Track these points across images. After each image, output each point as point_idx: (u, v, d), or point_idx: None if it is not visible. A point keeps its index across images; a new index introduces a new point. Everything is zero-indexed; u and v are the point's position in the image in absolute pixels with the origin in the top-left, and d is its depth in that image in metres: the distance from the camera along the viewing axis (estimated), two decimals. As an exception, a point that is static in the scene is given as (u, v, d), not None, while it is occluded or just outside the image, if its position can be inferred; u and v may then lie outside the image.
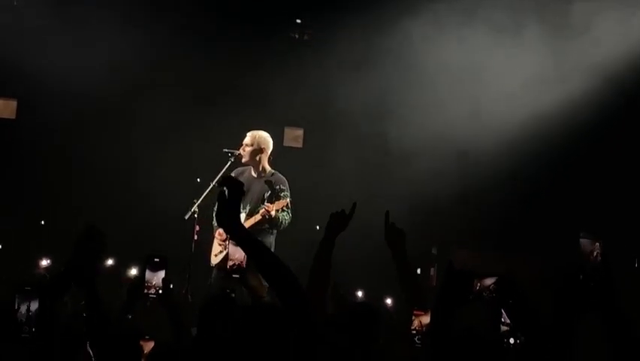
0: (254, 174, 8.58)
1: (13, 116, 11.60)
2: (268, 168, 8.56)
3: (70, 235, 10.61)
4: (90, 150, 11.21)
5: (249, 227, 8.30)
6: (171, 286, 4.24)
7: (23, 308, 3.65)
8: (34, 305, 3.66)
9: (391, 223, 4.52)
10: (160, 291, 4.16)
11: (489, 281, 3.82)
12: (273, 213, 8.07)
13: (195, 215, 8.54)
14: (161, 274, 4.18)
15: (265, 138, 8.62)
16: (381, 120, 11.07)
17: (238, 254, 4.42)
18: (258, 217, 8.21)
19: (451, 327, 3.45)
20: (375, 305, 4.56)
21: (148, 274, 4.18)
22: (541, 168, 10.70)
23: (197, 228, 8.59)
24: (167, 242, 9.99)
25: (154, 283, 4.17)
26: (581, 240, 4.12)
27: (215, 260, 8.55)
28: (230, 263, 4.41)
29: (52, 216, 10.78)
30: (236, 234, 3.36)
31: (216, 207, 3.37)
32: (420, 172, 10.76)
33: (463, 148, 10.80)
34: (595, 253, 4.18)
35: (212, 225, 8.61)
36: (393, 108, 10.93)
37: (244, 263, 4.40)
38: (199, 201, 8.54)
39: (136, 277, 4.32)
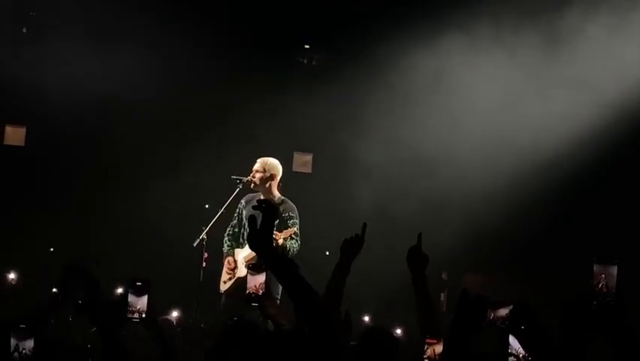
0: None
1: (22, 143, 11.63)
2: (278, 194, 8.51)
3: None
4: (98, 177, 11.22)
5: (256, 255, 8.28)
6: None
7: (19, 347, 3.61)
8: (29, 344, 3.62)
9: (419, 245, 4.37)
10: (144, 315, 4.11)
11: (503, 311, 3.77)
12: (280, 241, 8.00)
13: (204, 242, 8.50)
14: (145, 298, 4.13)
15: (275, 164, 8.57)
16: (391, 144, 11.04)
17: (254, 282, 4.37)
18: None
19: (464, 355, 3.39)
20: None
21: (131, 298, 4.11)
22: (557, 192, 10.62)
23: (206, 255, 8.55)
24: (175, 269, 10.00)
25: (138, 307, 4.11)
26: (594, 265, 4.05)
27: (224, 287, 8.51)
28: (247, 292, 4.35)
29: (61, 243, 10.75)
30: (269, 257, 3.31)
31: (248, 230, 3.33)
32: (431, 196, 10.73)
33: (476, 173, 10.73)
34: (601, 282, 4.12)
35: (221, 251, 8.58)
36: (403, 132, 10.89)
37: (260, 291, 4.34)
38: (207, 229, 8.50)
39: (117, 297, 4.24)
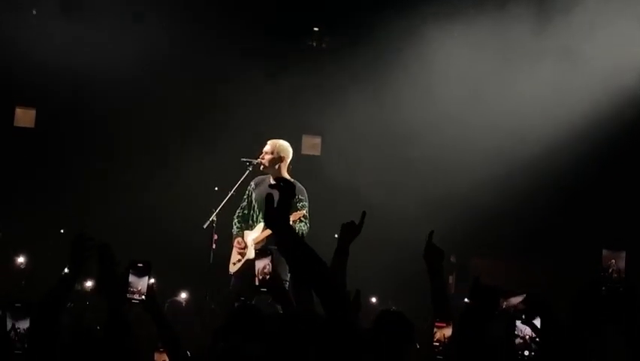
0: (273, 183, 8.53)
1: (32, 125, 11.67)
2: (287, 176, 8.54)
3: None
4: (108, 158, 11.27)
5: (265, 237, 8.32)
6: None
7: (15, 326, 3.63)
8: (25, 323, 3.63)
9: (432, 242, 4.47)
10: (144, 297, 4.15)
11: (515, 300, 3.81)
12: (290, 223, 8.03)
13: (214, 224, 8.53)
14: (145, 279, 4.17)
15: (285, 146, 8.59)
16: (401, 127, 11.05)
17: (260, 267, 4.40)
18: None
19: (476, 341, 3.43)
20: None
21: (132, 278, 4.16)
22: (566, 176, 10.62)
23: (216, 237, 8.57)
24: (185, 251, 10.05)
25: (139, 288, 4.16)
26: (604, 251, 4.07)
27: (233, 268, 8.54)
28: (255, 277, 4.38)
29: (72, 224, 10.81)
30: (285, 235, 3.34)
31: (265, 208, 3.36)
32: (439, 180, 10.75)
33: (486, 157, 10.73)
34: (611, 267, 4.14)
35: (231, 233, 8.62)
36: (413, 115, 10.89)
37: (267, 275, 4.37)
38: (217, 211, 8.53)
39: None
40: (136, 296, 4.15)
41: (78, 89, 11.00)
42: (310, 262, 3.29)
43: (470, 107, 10.70)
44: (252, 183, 8.59)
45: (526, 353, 3.68)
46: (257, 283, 4.38)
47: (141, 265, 4.16)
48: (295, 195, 8.18)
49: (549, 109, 10.33)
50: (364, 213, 4.51)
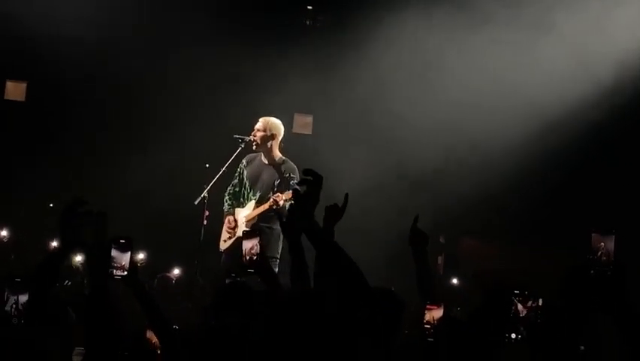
0: (264, 161, 8.58)
1: (23, 99, 11.62)
2: (279, 155, 8.56)
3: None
4: (100, 132, 11.24)
5: (257, 215, 8.35)
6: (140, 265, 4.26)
7: (12, 300, 3.57)
8: (24, 297, 3.58)
9: (416, 227, 4.54)
10: (126, 272, 4.18)
11: (531, 304, 3.83)
12: (281, 203, 8.06)
13: (205, 200, 8.54)
14: (128, 255, 4.20)
15: (277, 124, 8.61)
16: (393, 106, 11.05)
17: (248, 247, 4.41)
18: (266, 206, 8.21)
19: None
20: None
21: (115, 254, 4.18)
22: (558, 158, 10.63)
23: (207, 213, 8.59)
24: (177, 227, 10.07)
25: (122, 263, 4.19)
26: (593, 234, 4.09)
27: (223, 246, 8.58)
28: (242, 258, 4.39)
29: (62, 198, 10.79)
30: (311, 230, 3.38)
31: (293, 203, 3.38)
32: (431, 160, 10.77)
33: (475, 139, 10.76)
34: (600, 250, 4.15)
35: (222, 210, 8.64)
36: (405, 94, 10.90)
37: (255, 256, 4.38)
38: (209, 187, 8.53)
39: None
40: (119, 272, 4.19)
41: (70, 62, 10.94)
42: (331, 252, 3.36)
43: (463, 87, 10.70)
44: (244, 161, 8.62)
45: (514, 335, 3.66)
46: (244, 264, 4.38)
47: (123, 240, 4.18)
48: (281, 176, 8.28)
49: (542, 86, 10.33)
50: (347, 195, 4.55)
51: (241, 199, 8.58)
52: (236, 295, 4.42)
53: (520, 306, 3.65)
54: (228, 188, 8.63)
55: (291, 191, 8.14)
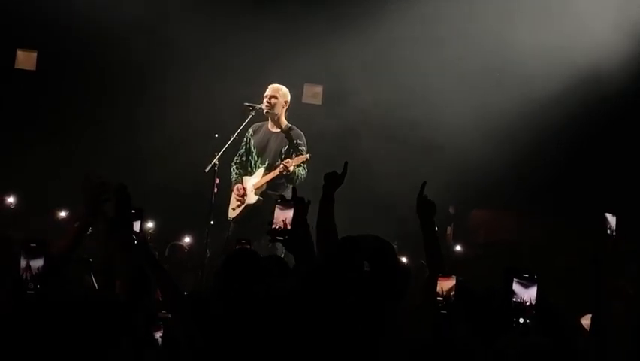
0: (272, 129, 8.60)
1: (34, 68, 11.61)
2: (285, 122, 8.60)
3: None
4: (110, 101, 11.24)
5: (266, 181, 8.38)
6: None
7: (27, 266, 3.52)
8: (39, 263, 3.53)
9: (424, 196, 4.51)
10: (136, 242, 4.20)
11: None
12: (291, 169, 8.11)
13: (215, 168, 8.54)
14: (138, 224, 4.22)
15: (287, 91, 8.67)
16: (403, 78, 11.01)
17: (282, 217, 4.35)
18: (276, 172, 8.25)
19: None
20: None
21: None
22: (568, 130, 10.59)
23: (217, 181, 8.59)
24: (187, 195, 10.09)
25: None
26: (606, 214, 4.12)
27: (232, 214, 8.60)
28: (272, 226, 4.34)
29: (72, 167, 10.82)
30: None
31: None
32: (440, 130, 10.75)
33: (487, 108, 10.70)
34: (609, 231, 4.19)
35: (230, 179, 8.65)
36: (415, 64, 10.85)
37: (288, 226, 4.32)
38: (219, 155, 8.53)
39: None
40: None
41: (80, 31, 10.92)
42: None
43: (471, 55, 10.65)
44: (250, 130, 8.64)
45: (522, 320, 3.60)
46: (272, 232, 4.31)
47: (134, 210, 4.20)
48: (290, 142, 8.29)
49: (554, 59, 10.27)
50: (346, 163, 4.58)
51: (248, 168, 8.61)
52: (244, 262, 4.44)
53: (520, 290, 3.59)
54: (235, 157, 8.66)
55: (300, 156, 8.17)
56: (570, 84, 10.26)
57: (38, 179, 10.69)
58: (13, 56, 11.60)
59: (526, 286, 3.57)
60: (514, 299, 3.56)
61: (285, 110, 8.59)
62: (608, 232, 4.14)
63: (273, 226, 4.23)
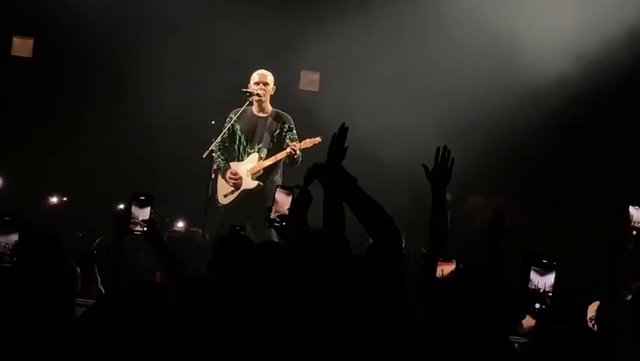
0: (257, 113, 8.60)
1: (30, 55, 11.59)
2: (270, 106, 8.64)
3: (82, 173, 10.68)
4: (107, 88, 11.22)
5: (262, 168, 8.38)
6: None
7: (2, 240, 3.40)
8: (14, 236, 3.42)
9: (440, 162, 4.37)
10: (145, 228, 4.23)
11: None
12: (298, 152, 8.16)
13: (213, 154, 8.54)
14: (147, 211, 4.24)
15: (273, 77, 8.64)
16: (400, 63, 10.99)
17: (283, 203, 4.34)
18: (283, 154, 8.26)
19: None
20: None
21: (134, 210, 4.23)
22: (568, 114, 10.56)
23: (215, 167, 8.60)
24: (184, 182, 10.10)
25: (140, 219, 4.24)
26: (630, 207, 4.11)
27: (224, 200, 8.57)
28: (275, 213, 4.32)
29: (68, 154, 10.82)
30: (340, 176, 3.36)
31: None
32: (438, 118, 10.73)
33: (485, 94, 10.67)
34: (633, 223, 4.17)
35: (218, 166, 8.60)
36: (412, 50, 10.83)
37: (287, 212, 4.31)
38: (217, 140, 8.52)
39: (121, 209, 4.36)
40: (138, 228, 4.24)
41: (77, 18, 10.88)
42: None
43: (476, 39, 10.62)
44: (232, 115, 8.58)
45: (537, 305, 3.58)
46: (271, 218, 4.30)
47: (143, 197, 4.23)
48: (280, 127, 8.29)
49: (562, 40, 10.25)
50: (343, 124, 4.45)
51: (235, 153, 8.59)
52: (236, 247, 4.44)
53: (537, 277, 3.56)
54: (215, 144, 8.47)
55: (313, 139, 8.17)
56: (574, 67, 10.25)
57: (33, 165, 10.68)
58: (10, 43, 11.56)
59: (543, 272, 3.55)
60: (530, 286, 3.54)
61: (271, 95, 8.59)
62: (632, 224, 4.13)
63: (274, 212, 4.25)
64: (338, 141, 4.31)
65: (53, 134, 10.93)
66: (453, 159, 4.38)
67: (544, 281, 3.55)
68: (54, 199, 10.06)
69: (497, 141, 10.52)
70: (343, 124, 4.39)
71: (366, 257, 3.75)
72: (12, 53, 11.55)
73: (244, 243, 4.48)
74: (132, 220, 4.23)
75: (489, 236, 4.04)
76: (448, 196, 11.10)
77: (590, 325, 4.70)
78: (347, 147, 4.35)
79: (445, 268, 4.10)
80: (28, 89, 11.27)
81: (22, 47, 11.60)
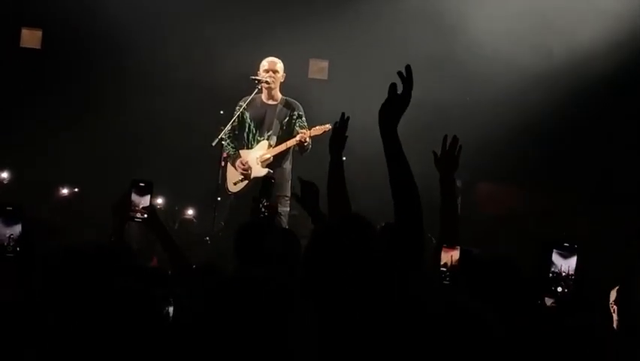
0: (267, 101, 8.57)
1: (39, 46, 11.60)
2: (279, 94, 8.62)
3: (92, 165, 10.68)
4: (115, 78, 11.22)
5: (272, 155, 8.36)
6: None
7: (5, 230, 3.46)
8: (17, 226, 3.48)
9: (448, 149, 4.36)
10: (146, 215, 4.21)
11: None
12: (309, 139, 8.14)
13: (223, 142, 8.53)
14: (148, 198, 4.22)
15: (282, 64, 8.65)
16: (410, 49, 10.95)
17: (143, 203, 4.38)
18: (293, 141, 8.24)
19: None
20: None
21: (134, 197, 4.23)
22: (576, 101, 10.50)
23: (225, 154, 8.59)
24: (194, 169, 10.10)
25: (141, 206, 4.23)
26: None
27: (234, 188, 8.53)
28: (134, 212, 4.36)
29: (77, 145, 10.83)
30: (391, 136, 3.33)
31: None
32: (446, 104, 10.70)
33: (495, 83, 10.62)
34: None
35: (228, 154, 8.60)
36: (421, 37, 10.79)
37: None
38: (227, 128, 8.51)
39: (120, 197, 4.32)
40: (138, 215, 4.23)
41: (85, 9, 10.89)
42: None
43: (481, 25, 10.58)
44: (242, 103, 8.55)
45: (559, 288, 3.55)
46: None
47: (143, 184, 4.21)
48: (289, 115, 8.27)
49: (570, 24, 10.19)
50: (343, 114, 4.46)
51: (244, 141, 8.57)
52: (253, 237, 4.44)
53: (560, 260, 3.54)
54: (224, 131, 8.45)
55: (323, 126, 8.14)
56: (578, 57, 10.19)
57: (42, 156, 10.70)
58: (19, 35, 11.57)
59: (566, 255, 3.54)
60: (552, 269, 3.53)
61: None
62: None
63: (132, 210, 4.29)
64: (339, 129, 4.37)
65: (62, 125, 10.94)
66: (460, 146, 4.34)
67: (567, 265, 3.54)
68: (64, 191, 10.06)
69: (508, 127, 10.47)
70: (343, 114, 4.44)
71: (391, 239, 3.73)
72: (21, 45, 11.57)
73: (264, 230, 4.49)
74: (133, 208, 4.23)
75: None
76: (458, 183, 11.16)
77: (611, 309, 4.66)
78: (347, 137, 4.41)
79: (453, 256, 4.05)
80: (37, 80, 11.28)
81: (30, 38, 11.62)
